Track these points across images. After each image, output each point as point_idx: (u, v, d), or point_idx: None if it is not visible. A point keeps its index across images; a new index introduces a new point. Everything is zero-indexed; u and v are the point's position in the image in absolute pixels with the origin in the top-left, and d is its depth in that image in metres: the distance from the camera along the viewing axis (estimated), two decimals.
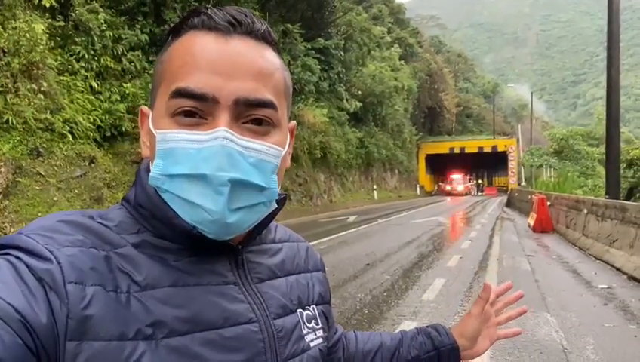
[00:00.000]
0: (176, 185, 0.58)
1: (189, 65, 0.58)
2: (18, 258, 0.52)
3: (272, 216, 0.66)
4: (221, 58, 0.58)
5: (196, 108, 0.58)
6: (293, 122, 0.70)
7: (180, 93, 0.58)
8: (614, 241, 8.38)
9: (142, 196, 0.62)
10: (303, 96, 21.08)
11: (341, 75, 25.94)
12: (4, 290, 0.48)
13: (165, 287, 0.57)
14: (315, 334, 0.72)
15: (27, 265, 0.51)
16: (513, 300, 0.99)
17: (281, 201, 0.66)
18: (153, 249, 0.60)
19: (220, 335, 0.58)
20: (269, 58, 0.62)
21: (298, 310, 0.71)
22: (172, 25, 0.66)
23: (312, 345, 0.70)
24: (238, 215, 0.59)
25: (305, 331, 0.70)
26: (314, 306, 0.75)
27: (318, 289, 0.78)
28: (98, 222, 0.59)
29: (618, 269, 7.56)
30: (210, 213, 0.57)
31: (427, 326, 0.96)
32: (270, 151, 0.60)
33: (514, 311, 0.99)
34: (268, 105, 0.60)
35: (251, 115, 0.60)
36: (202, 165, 0.56)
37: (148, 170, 0.63)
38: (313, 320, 0.73)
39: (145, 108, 0.65)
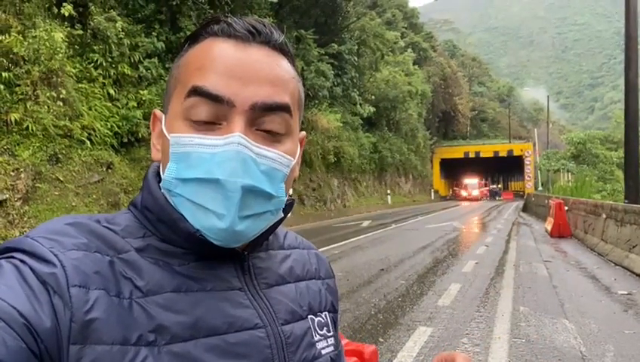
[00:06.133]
0: (189, 189, 0.58)
1: (206, 68, 0.58)
2: (23, 261, 0.51)
3: (277, 224, 0.66)
4: (239, 64, 0.58)
5: (211, 114, 0.58)
6: (303, 133, 0.70)
7: (195, 92, 0.58)
8: (634, 247, 8.21)
9: (149, 199, 0.62)
10: (317, 102, 21.12)
11: (355, 80, 25.97)
12: (8, 294, 0.48)
13: (168, 293, 0.57)
14: (327, 342, 0.70)
15: (31, 269, 0.51)
16: None
17: (288, 206, 0.65)
18: (158, 253, 0.59)
19: (224, 341, 0.57)
20: (285, 67, 0.63)
21: (309, 316, 0.69)
22: (190, 32, 0.66)
23: (323, 352, 0.68)
24: (246, 223, 0.58)
25: (316, 338, 0.68)
26: (326, 313, 0.73)
27: (330, 296, 0.77)
28: (104, 226, 0.59)
29: (638, 275, 7.41)
30: (220, 218, 0.57)
31: None
32: (281, 159, 0.60)
33: None
34: (285, 108, 0.61)
35: (266, 120, 0.60)
36: (216, 170, 0.56)
37: (156, 175, 0.63)
38: (325, 328, 0.71)
39: (158, 112, 0.65)
